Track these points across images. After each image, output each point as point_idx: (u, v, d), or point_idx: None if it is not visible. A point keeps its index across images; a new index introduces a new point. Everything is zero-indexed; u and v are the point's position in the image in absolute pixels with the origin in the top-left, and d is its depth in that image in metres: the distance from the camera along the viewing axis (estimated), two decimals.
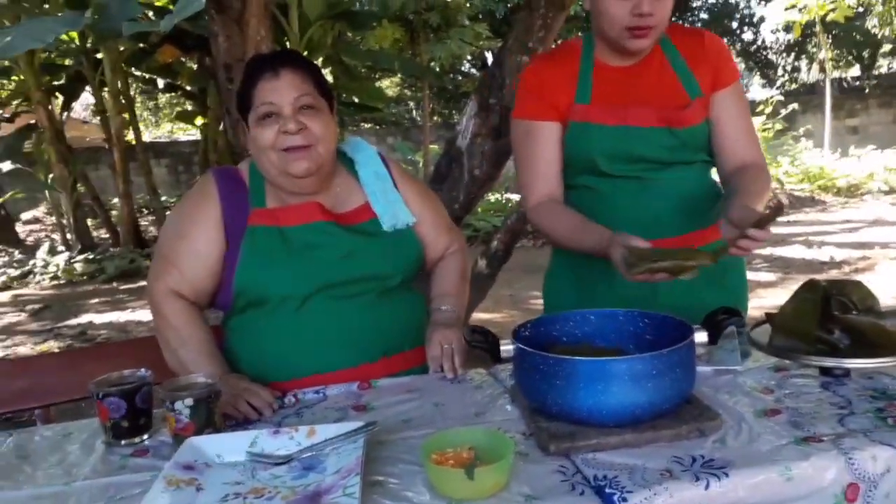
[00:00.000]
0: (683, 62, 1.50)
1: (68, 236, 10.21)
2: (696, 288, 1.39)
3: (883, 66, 18.67)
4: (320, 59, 6.86)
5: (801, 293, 1.25)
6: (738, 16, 19.07)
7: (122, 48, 8.72)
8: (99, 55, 9.08)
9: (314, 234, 1.40)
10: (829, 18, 13.19)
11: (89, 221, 10.48)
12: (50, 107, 9.18)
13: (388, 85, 17.18)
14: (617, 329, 1.21)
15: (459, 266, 1.60)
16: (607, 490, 0.86)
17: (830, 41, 15.47)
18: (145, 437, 1.15)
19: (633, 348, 1.17)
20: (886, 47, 17.35)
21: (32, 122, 9.48)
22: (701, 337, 1.08)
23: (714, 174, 1.60)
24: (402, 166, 1.63)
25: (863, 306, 1.21)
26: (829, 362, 1.15)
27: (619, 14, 1.39)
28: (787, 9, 13.33)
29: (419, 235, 1.52)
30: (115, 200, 10.71)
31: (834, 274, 5.56)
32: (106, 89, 9.33)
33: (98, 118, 10.31)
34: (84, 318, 6.15)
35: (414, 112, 18.78)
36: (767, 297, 4.38)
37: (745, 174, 1.46)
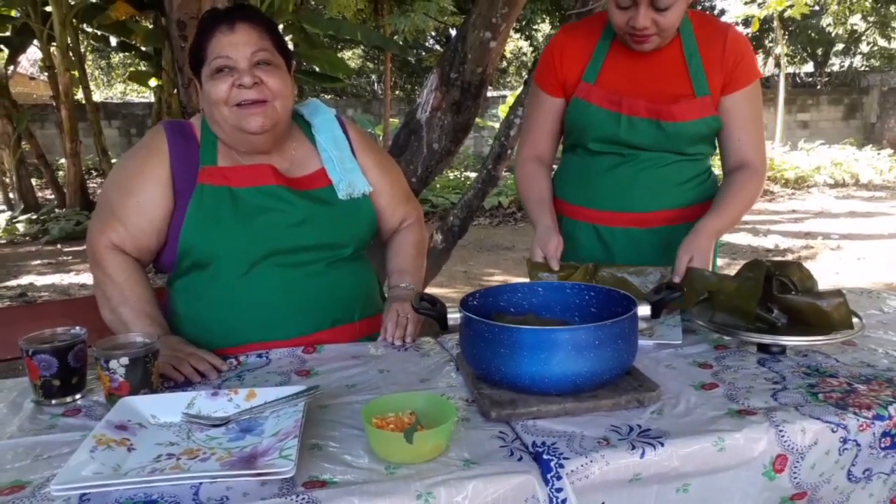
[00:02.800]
0: (699, 59, 1.52)
1: (10, 195, 9.82)
2: (659, 263, 1.47)
3: (835, 63, 19.18)
4: (281, 26, 6.68)
5: (744, 272, 1.28)
6: (700, 7, 19.33)
7: (72, 2, 8.36)
8: (48, 8, 8.68)
9: (266, 197, 1.36)
10: (786, 14, 13.45)
11: (34, 181, 10.09)
12: None
13: (350, 56, 16.91)
14: (563, 301, 1.22)
15: (416, 239, 1.57)
16: (545, 456, 0.87)
17: (786, 37, 15.80)
18: (77, 396, 1.11)
19: (578, 320, 1.18)
20: (839, 46, 17.82)
21: None
22: (644, 311, 1.10)
23: (707, 162, 1.67)
24: (363, 131, 1.59)
25: (802, 287, 1.25)
26: (767, 339, 1.19)
27: (619, 22, 1.46)
28: (746, 3, 13.54)
29: (376, 205, 1.49)
30: (62, 160, 10.32)
31: None
32: (55, 44, 8.93)
33: (46, 74, 9.88)
34: (24, 280, 5.93)
35: (375, 85, 18.53)
36: None
37: (735, 180, 1.54)
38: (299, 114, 1.50)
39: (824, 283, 1.30)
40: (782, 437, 0.93)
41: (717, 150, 1.64)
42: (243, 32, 1.32)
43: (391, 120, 11.75)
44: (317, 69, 7.68)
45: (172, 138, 1.38)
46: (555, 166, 1.74)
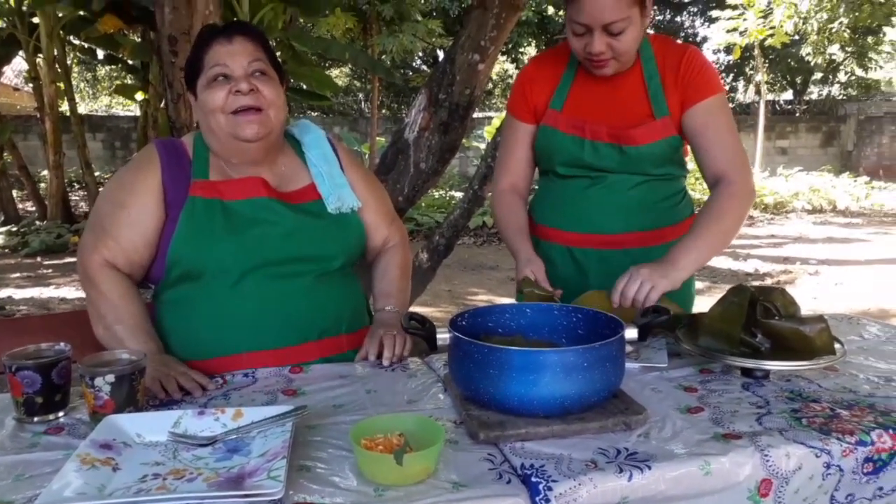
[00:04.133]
0: (659, 81, 1.56)
1: None
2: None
3: (814, 92, 19.59)
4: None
5: (728, 297, 1.30)
6: (682, 34, 19.67)
7: (60, 13, 8.32)
8: (35, 19, 8.65)
9: (257, 209, 1.37)
10: (767, 43, 13.75)
11: (15, 192, 9.97)
12: None
13: (338, 74, 16.98)
14: (551, 323, 1.22)
15: (400, 262, 1.58)
16: (533, 479, 0.87)
17: (767, 65, 16.12)
18: (60, 414, 1.10)
19: (566, 342, 1.19)
20: (818, 75, 18.22)
21: None
22: (631, 334, 1.11)
23: (679, 184, 1.69)
24: (350, 150, 1.61)
25: (785, 312, 1.27)
26: (751, 364, 1.20)
27: (577, 48, 1.51)
28: (728, 31, 13.81)
29: (363, 221, 1.51)
30: (45, 172, 10.22)
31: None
32: (41, 56, 8.88)
33: (30, 86, 9.81)
34: (3, 293, 5.84)
35: (362, 103, 18.61)
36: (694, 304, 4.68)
37: (710, 206, 1.48)
38: (290, 133, 1.52)
39: (803, 307, 1.32)
40: (767, 461, 0.94)
41: (691, 171, 1.67)
42: (240, 43, 1.36)
43: (377, 139, 11.78)
44: (304, 86, 7.70)
45: (164, 154, 1.39)
46: (535, 187, 1.77)
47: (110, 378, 1.04)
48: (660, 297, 1.35)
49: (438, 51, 14.41)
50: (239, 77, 1.33)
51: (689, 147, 1.63)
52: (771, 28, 13.28)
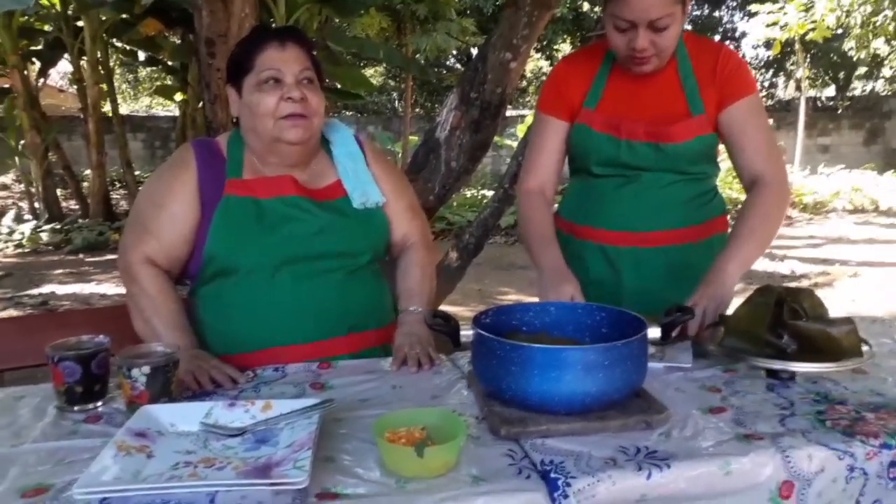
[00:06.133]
0: (694, 79, 1.56)
1: (36, 205, 10.02)
2: (666, 282, 1.51)
3: (857, 88, 19.06)
4: None
5: (755, 297, 1.29)
6: (721, 29, 19.33)
7: (103, 17, 8.56)
8: (80, 23, 8.91)
9: (288, 207, 1.41)
10: (808, 38, 13.43)
11: (59, 191, 10.29)
12: (26, 72, 8.98)
13: (372, 74, 17.10)
14: (575, 321, 1.23)
15: (420, 261, 1.57)
16: (552, 475, 0.88)
17: (808, 60, 15.75)
18: (99, 403, 1.15)
19: (589, 340, 1.20)
20: (861, 70, 17.72)
21: (6, 86, 9.27)
22: (654, 333, 1.11)
23: (711, 182, 1.68)
24: (377, 147, 1.64)
25: (813, 314, 1.25)
26: (777, 365, 1.19)
27: (619, 45, 1.49)
28: (768, 26, 13.53)
29: (388, 216, 1.53)
30: (88, 172, 10.52)
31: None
32: (85, 58, 9.15)
33: (75, 87, 10.11)
34: (46, 289, 6.04)
35: (396, 102, 18.71)
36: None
37: (750, 208, 1.49)
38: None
39: (841, 310, 1.30)
40: (788, 462, 0.94)
41: (721, 170, 1.65)
42: (293, 50, 1.41)
43: (411, 137, 11.85)
44: (339, 86, 7.78)
45: (200, 154, 1.44)
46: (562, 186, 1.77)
47: (146, 369, 1.09)
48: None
49: (472, 49, 14.41)
50: (290, 84, 1.38)
51: (722, 146, 1.62)
52: (812, 22, 12.97)
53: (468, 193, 11.26)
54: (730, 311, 1.33)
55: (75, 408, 1.13)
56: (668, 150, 1.56)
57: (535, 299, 1.41)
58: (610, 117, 1.59)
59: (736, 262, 1.42)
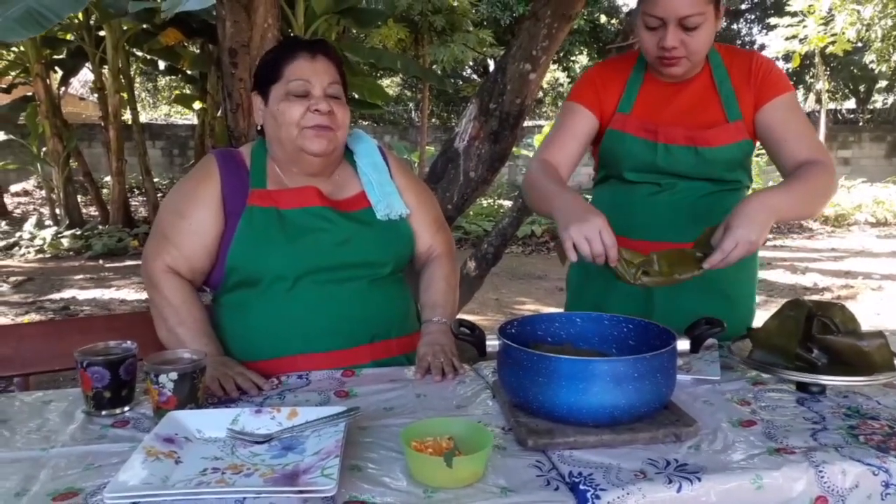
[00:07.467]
0: (730, 85, 1.55)
1: (57, 211, 10.15)
2: (699, 296, 1.49)
3: (878, 101, 18.88)
4: None
5: (785, 311, 1.27)
6: (739, 42, 19.26)
7: (125, 27, 8.69)
8: (101, 32, 9.05)
9: (312, 218, 1.42)
10: (828, 51, 13.35)
11: (79, 197, 10.42)
12: (48, 80, 9.13)
13: (389, 84, 17.20)
14: (601, 333, 1.22)
15: (445, 273, 1.58)
16: (581, 487, 0.88)
17: (828, 73, 15.64)
18: (126, 408, 1.15)
19: (616, 352, 1.19)
20: (882, 83, 17.56)
21: (29, 94, 9.42)
22: (683, 345, 1.10)
23: (744, 194, 1.64)
24: (401, 159, 1.65)
25: (844, 329, 1.23)
26: (807, 378, 1.17)
27: (649, 45, 1.49)
28: (787, 38, 13.46)
29: (412, 227, 1.53)
30: (108, 178, 10.65)
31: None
32: (106, 67, 9.28)
33: (96, 95, 10.25)
34: (67, 294, 6.10)
35: (413, 112, 18.78)
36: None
37: (800, 169, 1.44)
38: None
39: (865, 324, 1.28)
40: (822, 478, 0.92)
41: (755, 178, 1.63)
42: (323, 63, 1.42)
43: (427, 147, 11.88)
44: (356, 96, 7.84)
45: (223, 165, 1.45)
46: (588, 196, 1.74)
47: (174, 375, 1.09)
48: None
49: (489, 60, 14.46)
50: (318, 96, 1.39)
51: (761, 148, 1.60)
52: (832, 35, 12.89)
53: (484, 203, 11.27)
54: (758, 324, 1.32)
55: (103, 413, 1.14)
56: (706, 154, 1.54)
57: (555, 309, 1.39)
58: (646, 122, 1.57)
59: (770, 200, 1.31)
